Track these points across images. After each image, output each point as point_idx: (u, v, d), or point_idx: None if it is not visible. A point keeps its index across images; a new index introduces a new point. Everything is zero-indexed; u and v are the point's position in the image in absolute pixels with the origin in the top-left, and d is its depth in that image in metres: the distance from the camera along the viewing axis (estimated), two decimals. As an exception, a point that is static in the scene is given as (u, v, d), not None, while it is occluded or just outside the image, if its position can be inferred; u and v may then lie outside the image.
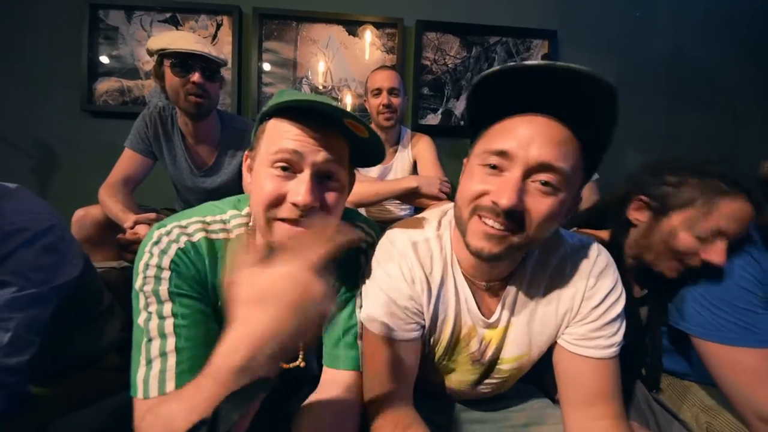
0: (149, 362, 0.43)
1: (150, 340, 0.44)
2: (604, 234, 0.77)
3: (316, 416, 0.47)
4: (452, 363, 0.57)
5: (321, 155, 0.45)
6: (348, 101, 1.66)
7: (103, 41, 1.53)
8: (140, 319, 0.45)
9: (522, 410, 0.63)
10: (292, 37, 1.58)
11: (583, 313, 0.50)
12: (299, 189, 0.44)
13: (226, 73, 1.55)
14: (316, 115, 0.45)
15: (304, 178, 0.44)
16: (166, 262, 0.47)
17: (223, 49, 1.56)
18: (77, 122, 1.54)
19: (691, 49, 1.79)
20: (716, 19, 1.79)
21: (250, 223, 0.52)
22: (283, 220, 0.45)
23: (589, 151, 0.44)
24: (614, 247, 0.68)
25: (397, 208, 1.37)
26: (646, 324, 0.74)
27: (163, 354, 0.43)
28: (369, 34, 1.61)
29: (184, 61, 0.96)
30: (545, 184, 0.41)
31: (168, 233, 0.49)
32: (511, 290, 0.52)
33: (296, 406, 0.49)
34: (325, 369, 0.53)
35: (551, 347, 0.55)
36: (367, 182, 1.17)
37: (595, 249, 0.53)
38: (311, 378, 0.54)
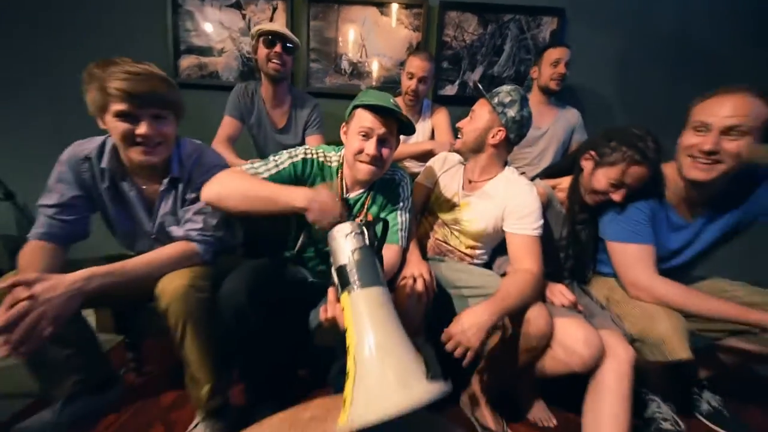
0: (253, 167, 0.94)
1: (260, 165, 0.95)
2: (567, 179, 1.13)
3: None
4: (440, 206, 1.14)
5: (382, 130, 0.90)
6: (374, 68, 1.95)
7: (184, 24, 1.89)
8: (269, 159, 0.98)
9: (484, 276, 1.05)
10: (334, 18, 1.88)
11: (513, 207, 0.96)
12: (371, 147, 0.90)
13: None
14: (382, 109, 0.89)
15: (373, 141, 0.90)
16: (298, 158, 0.98)
17: (278, 28, 1.89)
18: (167, 92, 1.96)
19: (696, 28, 1.89)
20: (723, 4, 1.86)
21: (340, 160, 1.01)
22: (362, 162, 0.91)
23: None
24: (573, 183, 1.09)
25: (415, 165, 1.74)
26: (585, 239, 1.13)
27: (263, 171, 0.94)
28: (398, 13, 1.87)
29: (273, 38, 1.39)
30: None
31: (308, 148, 1.01)
32: (484, 189, 1.03)
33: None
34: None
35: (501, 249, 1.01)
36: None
37: (527, 182, 1.00)
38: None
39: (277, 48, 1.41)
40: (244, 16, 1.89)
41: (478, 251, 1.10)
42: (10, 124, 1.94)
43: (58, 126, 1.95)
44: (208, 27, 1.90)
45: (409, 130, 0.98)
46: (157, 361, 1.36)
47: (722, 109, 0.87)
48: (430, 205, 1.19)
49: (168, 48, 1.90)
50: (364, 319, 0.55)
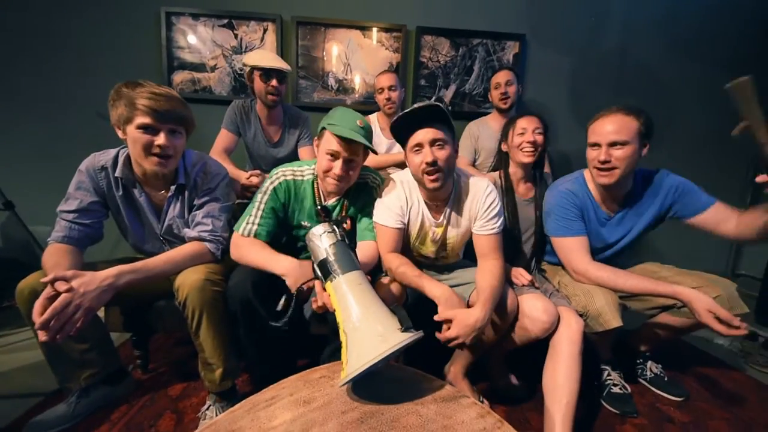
0: (247, 222, 1.05)
1: (251, 214, 1.06)
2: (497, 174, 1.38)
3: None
4: (421, 245, 1.18)
5: (347, 152, 1.02)
6: (357, 82, 2.13)
7: (177, 41, 2.01)
8: (254, 202, 1.08)
9: (460, 270, 1.24)
10: (320, 39, 2.05)
11: (480, 213, 1.10)
12: (337, 168, 1.02)
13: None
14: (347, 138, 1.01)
15: (339, 162, 1.02)
16: (271, 187, 1.09)
17: (267, 47, 2.04)
18: (161, 105, 2.05)
19: (634, 49, 2.22)
20: (657, 25, 2.20)
21: (314, 172, 1.13)
22: (330, 179, 1.04)
23: (453, 134, 1.04)
24: (505, 171, 1.33)
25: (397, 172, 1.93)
26: (535, 221, 1.34)
27: (252, 223, 1.05)
28: (379, 36, 2.07)
29: (268, 73, 1.51)
30: (440, 146, 1.00)
31: (277, 172, 1.11)
32: (447, 207, 1.13)
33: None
34: (359, 243, 1.10)
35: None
36: (379, 155, 1.74)
37: (487, 184, 1.12)
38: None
39: (274, 82, 1.53)
40: (236, 36, 2.02)
41: (459, 255, 1.27)
42: (5, 137, 1.97)
43: (52, 138, 2.00)
44: (200, 45, 2.02)
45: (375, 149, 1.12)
46: (163, 358, 1.44)
47: (605, 129, 1.11)
48: (407, 246, 1.20)
49: (162, 63, 2.00)
50: (347, 298, 0.68)
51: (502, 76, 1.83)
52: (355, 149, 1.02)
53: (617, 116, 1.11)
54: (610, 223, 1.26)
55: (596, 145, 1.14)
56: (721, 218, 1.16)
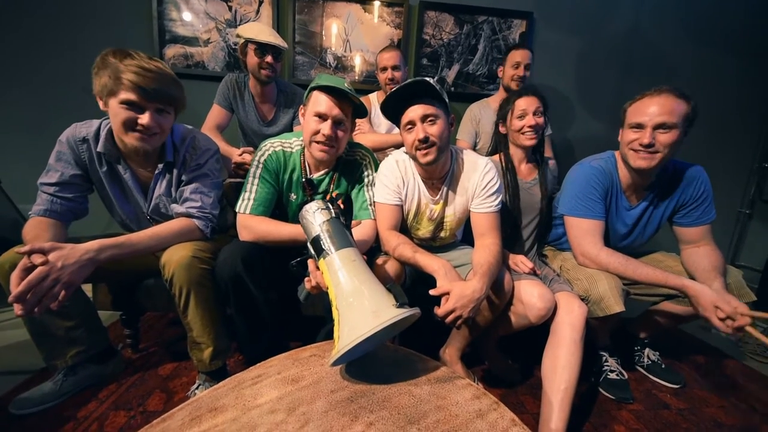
0: (243, 199, 1.02)
1: (246, 191, 1.03)
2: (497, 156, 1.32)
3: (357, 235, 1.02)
4: (418, 223, 1.15)
5: (336, 112, 0.99)
6: (357, 62, 2.05)
7: (169, 14, 1.91)
8: (247, 178, 1.06)
9: (458, 250, 1.20)
10: (319, 13, 1.96)
11: (478, 191, 1.06)
12: (326, 128, 0.98)
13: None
14: (336, 91, 0.97)
15: (328, 123, 0.98)
16: (262, 159, 1.05)
17: (263, 21, 1.95)
18: (152, 81, 1.97)
19: (645, 30, 2.13)
20: (669, 4, 2.12)
21: (302, 144, 1.09)
22: (318, 142, 1.00)
23: (446, 107, 1.01)
24: (505, 153, 1.28)
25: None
26: (540, 201, 1.29)
27: (249, 198, 1.02)
28: (380, 11, 1.98)
29: (263, 48, 1.43)
30: (431, 122, 0.97)
31: (265, 145, 1.08)
32: (444, 185, 1.09)
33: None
34: (355, 221, 1.06)
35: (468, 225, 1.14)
36: (379, 135, 1.67)
37: (486, 162, 1.08)
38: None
39: (268, 58, 1.45)
40: (230, 8, 1.93)
41: (457, 236, 1.24)
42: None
43: (41, 114, 1.92)
44: (193, 17, 1.93)
45: (363, 112, 1.07)
46: (154, 337, 1.42)
47: (652, 110, 1.03)
48: (405, 224, 1.17)
49: (153, 37, 1.91)
50: (340, 275, 0.65)
51: (523, 56, 1.70)
52: (344, 108, 0.99)
53: (667, 97, 1.02)
54: (630, 215, 1.21)
55: (639, 126, 1.05)
56: (693, 239, 1.18)
